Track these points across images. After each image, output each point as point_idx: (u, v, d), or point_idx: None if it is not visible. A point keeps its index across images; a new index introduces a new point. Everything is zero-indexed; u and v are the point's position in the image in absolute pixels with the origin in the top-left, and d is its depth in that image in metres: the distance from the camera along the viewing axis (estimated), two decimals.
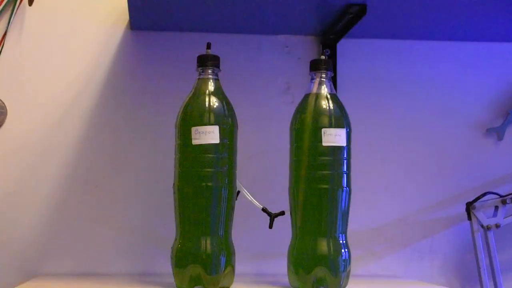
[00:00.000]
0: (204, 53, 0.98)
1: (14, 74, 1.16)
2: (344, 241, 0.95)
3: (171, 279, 0.98)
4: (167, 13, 1.11)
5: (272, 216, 0.99)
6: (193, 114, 0.94)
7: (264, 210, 0.99)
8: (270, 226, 0.98)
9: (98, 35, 1.18)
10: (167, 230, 1.00)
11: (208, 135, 0.93)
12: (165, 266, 0.97)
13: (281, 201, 0.99)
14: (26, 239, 1.15)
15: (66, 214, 1.15)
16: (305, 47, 1.21)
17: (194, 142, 0.93)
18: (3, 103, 1.15)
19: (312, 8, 1.08)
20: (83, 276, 1.13)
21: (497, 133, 1.23)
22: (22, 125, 1.16)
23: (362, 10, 1.04)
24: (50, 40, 1.17)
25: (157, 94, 1.18)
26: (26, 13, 1.17)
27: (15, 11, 1.16)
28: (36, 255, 1.15)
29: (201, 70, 0.97)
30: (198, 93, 0.96)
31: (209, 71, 0.97)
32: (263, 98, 1.20)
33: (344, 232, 0.96)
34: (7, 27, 1.16)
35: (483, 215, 1.16)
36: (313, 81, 0.99)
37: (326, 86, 0.98)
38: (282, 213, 0.98)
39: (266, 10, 1.09)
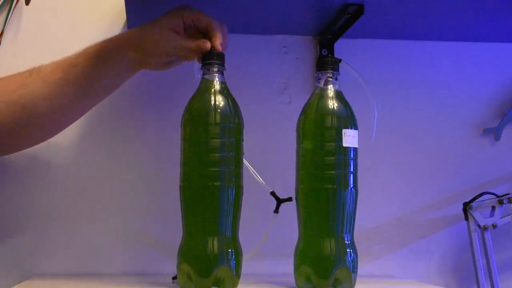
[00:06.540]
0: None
1: (10, 73, 1.15)
2: (349, 242, 0.95)
3: (170, 279, 0.98)
4: (164, 13, 1.11)
5: (280, 201, 1.00)
6: (199, 113, 0.93)
7: (272, 193, 1.00)
8: (276, 211, 0.99)
9: (95, 34, 1.17)
10: (167, 229, 1.00)
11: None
12: (164, 266, 0.97)
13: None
14: (22, 239, 1.14)
15: (62, 214, 1.15)
16: (303, 47, 1.21)
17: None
18: None
19: (309, 8, 1.08)
20: (80, 276, 1.13)
21: (494, 133, 1.23)
22: None
23: (359, 10, 1.04)
24: (47, 40, 1.16)
25: (154, 94, 1.18)
26: (23, 12, 1.17)
27: (11, 10, 1.16)
28: (32, 255, 1.14)
29: (207, 68, 0.96)
30: (203, 92, 0.95)
31: (215, 69, 0.96)
32: (260, 98, 1.19)
33: (351, 233, 0.96)
34: (4, 27, 1.16)
35: (480, 215, 1.16)
36: (320, 80, 0.98)
37: (337, 86, 0.98)
38: (290, 199, 0.99)
39: (263, 10, 1.09)
